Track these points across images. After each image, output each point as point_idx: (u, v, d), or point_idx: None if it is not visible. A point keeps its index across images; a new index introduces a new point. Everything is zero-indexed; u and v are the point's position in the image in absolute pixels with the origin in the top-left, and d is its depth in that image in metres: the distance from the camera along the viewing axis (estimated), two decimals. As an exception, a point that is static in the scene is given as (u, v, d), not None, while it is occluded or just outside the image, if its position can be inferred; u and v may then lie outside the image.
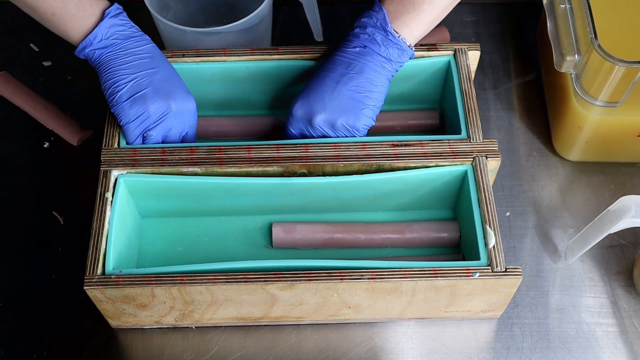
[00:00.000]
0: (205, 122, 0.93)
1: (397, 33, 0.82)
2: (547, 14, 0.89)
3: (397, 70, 0.85)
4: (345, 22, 1.08)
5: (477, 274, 0.74)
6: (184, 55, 0.89)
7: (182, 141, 0.85)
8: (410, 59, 0.85)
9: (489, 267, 0.75)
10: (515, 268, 0.75)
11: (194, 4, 1.03)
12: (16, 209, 0.92)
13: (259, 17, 0.93)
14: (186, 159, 0.82)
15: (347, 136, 0.84)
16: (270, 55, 0.89)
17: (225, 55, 0.89)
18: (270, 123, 0.93)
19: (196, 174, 0.82)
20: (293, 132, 0.85)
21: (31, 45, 1.06)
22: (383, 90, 0.84)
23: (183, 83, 0.85)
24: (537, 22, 1.05)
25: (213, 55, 0.89)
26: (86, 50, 0.82)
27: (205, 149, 0.83)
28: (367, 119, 0.83)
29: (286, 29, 1.07)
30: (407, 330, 0.84)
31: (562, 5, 0.88)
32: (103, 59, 0.82)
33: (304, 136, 0.85)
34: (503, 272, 0.75)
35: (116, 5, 0.84)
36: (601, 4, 0.87)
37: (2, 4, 1.09)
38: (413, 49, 0.84)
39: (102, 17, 0.82)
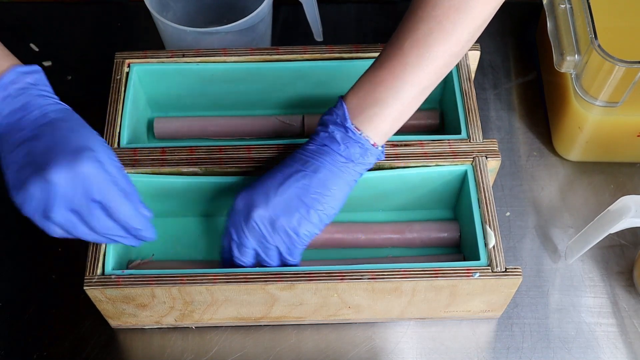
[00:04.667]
0: (205, 122, 0.93)
1: (359, 130, 0.73)
2: (547, 14, 0.89)
3: (363, 172, 0.76)
4: (345, 23, 1.08)
5: (477, 274, 0.74)
6: (184, 55, 0.89)
7: (104, 206, 0.69)
8: (379, 159, 0.76)
9: (489, 267, 0.75)
10: (515, 268, 0.75)
11: (194, 4, 1.03)
12: (16, 209, 0.92)
13: (259, 17, 0.93)
14: (186, 159, 0.82)
15: (285, 243, 0.74)
16: (270, 55, 0.89)
17: (225, 55, 0.89)
18: (270, 123, 0.93)
19: (196, 174, 0.82)
20: (229, 227, 0.76)
21: (31, 45, 1.06)
22: (339, 196, 0.75)
23: (77, 140, 0.69)
24: (537, 22, 1.05)
25: (213, 55, 0.89)
26: None
27: (205, 149, 0.83)
28: (311, 226, 0.74)
29: (286, 29, 1.07)
30: (407, 330, 0.84)
31: (562, 5, 0.88)
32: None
33: (240, 237, 0.75)
34: (503, 272, 0.75)
35: (16, 69, 0.72)
36: (601, 4, 0.86)
37: (2, 4, 1.09)
38: (381, 147, 0.76)
39: None
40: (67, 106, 0.73)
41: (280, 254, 0.76)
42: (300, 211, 0.74)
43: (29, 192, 0.67)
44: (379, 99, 0.73)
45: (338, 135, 0.74)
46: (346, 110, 0.74)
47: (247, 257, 0.76)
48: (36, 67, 0.73)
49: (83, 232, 0.70)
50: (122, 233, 0.72)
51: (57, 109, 0.72)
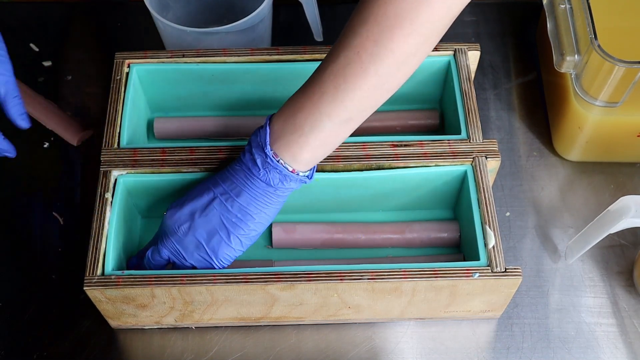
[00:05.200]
0: (205, 122, 0.93)
1: (277, 157, 0.72)
2: (547, 14, 0.89)
3: (285, 196, 0.75)
4: (345, 23, 1.08)
5: (477, 274, 0.74)
6: (184, 55, 0.89)
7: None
8: (305, 183, 0.74)
9: (489, 268, 0.75)
10: (515, 268, 0.75)
11: (194, 4, 1.03)
12: (16, 209, 0.92)
13: (259, 17, 0.93)
14: (186, 159, 0.82)
15: (203, 262, 0.75)
16: (270, 55, 0.89)
17: (225, 56, 0.89)
18: (270, 123, 0.93)
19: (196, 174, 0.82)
20: (159, 245, 0.77)
21: (31, 45, 1.06)
22: (262, 221, 0.75)
23: None
24: (537, 22, 1.05)
25: (213, 56, 0.89)
26: None
27: (205, 149, 0.82)
28: (230, 249, 0.75)
29: (286, 29, 1.07)
30: (407, 330, 0.84)
31: (562, 5, 0.88)
32: None
33: (173, 254, 0.76)
34: (503, 272, 0.75)
35: None
36: (601, 4, 0.86)
37: (2, 4, 1.09)
38: (303, 174, 0.73)
39: None
40: None
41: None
42: (221, 234, 0.74)
43: None
44: (298, 127, 0.70)
45: (258, 159, 0.73)
46: (268, 134, 0.72)
47: (159, 267, 0.78)
48: None
49: None
50: None
51: None
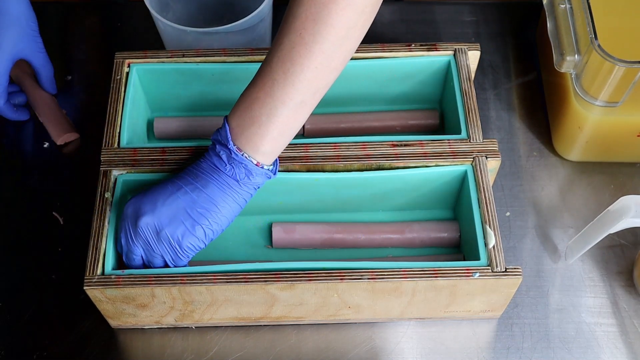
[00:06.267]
0: (206, 122, 0.93)
1: (241, 151, 0.73)
2: (547, 14, 0.89)
3: (253, 191, 0.76)
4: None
5: (477, 274, 0.74)
6: (184, 55, 0.89)
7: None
8: (269, 178, 0.76)
9: (489, 267, 0.75)
10: (515, 268, 0.75)
11: (194, 4, 1.03)
12: (16, 209, 0.92)
13: (259, 17, 0.93)
14: (186, 159, 0.82)
15: (169, 253, 0.75)
16: (270, 55, 0.89)
17: (225, 55, 0.89)
18: (270, 123, 0.93)
19: (196, 174, 0.82)
20: (120, 234, 0.77)
21: (31, 45, 1.06)
22: (227, 214, 0.75)
23: None
24: (537, 22, 1.05)
25: (213, 55, 0.89)
26: None
27: (205, 149, 0.82)
28: (195, 239, 0.74)
29: (286, 29, 1.07)
30: (407, 330, 0.84)
31: (562, 5, 0.88)
32: None
33: (127, 242, 0.76)
34: (503, 272, 0.75)
35: None
36: (601, 4, 0.86)
37: (2, 4, 1.09)
38: (268, 167, 0.74)
39: None
40: None
41: (165, 262, 0.76)
42: (185, 224, 0.74)
43: None
44: (255, 119, 0.72)
45: (224, 155, 0.74)
46: (228, 131, 0.73)
47: (134, 263, 0.77)
48: None
49: None
50: None
51: None
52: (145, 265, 0.78)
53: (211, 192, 0.74)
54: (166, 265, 0.77)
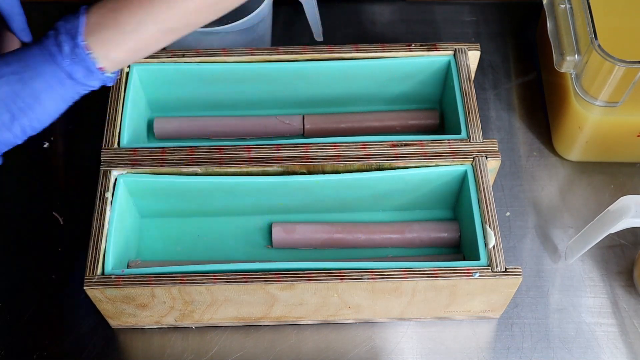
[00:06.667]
0: (206, 122, 0.93)
1: (89, 50, 0.66)
2: (547, 14, 0.89)
3: (84, 93, 0.70)
4: (345, 23, 1.08)
5: (477, 274, 0.74)
6: (184, 55, 0.89)
7: None
8: (106, 85, 0.70)
9: (489, 267, 0.75)
10: (515, 268, 0.75)
11: (194, 4, 1.03)
12: (16, 209, 0.92)
13: (259, 17, 0.93)
14: (186, 159, 0.82)
15: None
16: (270, 55, 0.89)
17: (225, 55, 0.89)
18: (270, 123, 0.93)
19: (196, 174, 0.82)
20: None
21: (31, 45, 1.06)
22: (50, 111, 0.68)
23: None
24: (537, 22, 1.05)
25: (213, 55, 0.89)
26: None
27: (205, 149, 0.83)
28: (10, 135, 0.68)
29: (286, 29, 1.07)
30: (407, 330, 0.84)
31: (562, 5, 0.88)
32: None
33: None
34: (503, 272, 0.75)
35: None
36: (601, 4, 0.86)
37: (2, 4, 1.09)
38: (112, 74, 0.69)
39: None
40: None
41: None
42: (2, 118, 0.67)
43: None
44: (119, 25, 0.66)
45: (66, 48, 0.66)
46: (83, 23, 0.67)
47: None
48: None
49: None
50: None
51: None
52: None
53: (38, 87, 0.67)
54: None
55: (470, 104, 0.86)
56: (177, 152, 0.83)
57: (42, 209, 0.91)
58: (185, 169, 0.82)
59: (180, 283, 0.74)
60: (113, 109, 0.85)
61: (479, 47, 0.89)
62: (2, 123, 0.67)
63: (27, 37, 0.80)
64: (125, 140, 0.84)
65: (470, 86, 0.87)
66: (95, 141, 0.94)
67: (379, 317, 0.83)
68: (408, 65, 0.90)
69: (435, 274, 0.74)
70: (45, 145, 0.97)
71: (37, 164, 0.96)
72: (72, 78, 0.68)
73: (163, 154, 0.83)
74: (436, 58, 0.89)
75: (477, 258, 0.76)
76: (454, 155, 0.82)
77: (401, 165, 0.82)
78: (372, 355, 0.82)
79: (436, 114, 0.94)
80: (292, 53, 0.89)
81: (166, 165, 0.82)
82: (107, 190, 0.80)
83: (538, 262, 0.88)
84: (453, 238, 0.86)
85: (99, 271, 0.75)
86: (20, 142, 0.70)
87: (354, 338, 0.83)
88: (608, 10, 0.88)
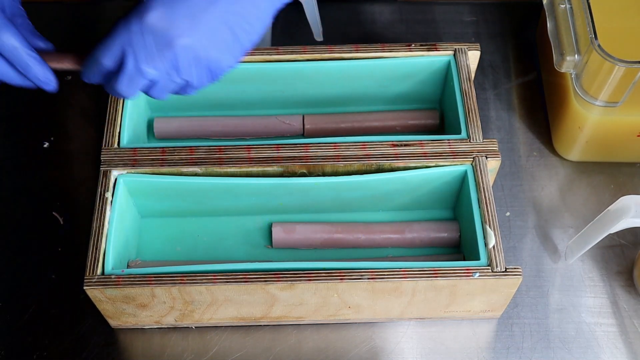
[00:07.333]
0: (205, 122, 0.93)
1: None
2: (547, 14, 0.89)
3: (284, 4, 0.64)
4: (345, 22, 1.08)
5: (477, 274, 0.74)
6: (184, 55, 0.89)
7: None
8: None
9: (489, 267, 0.75)
10: (515, 268, 0.75)
11: (194, 4, 1.03)
12: (16, 209, 0.92)
13: (259, 17, 0.93)
14: (186, 159, 0.82)
15: (199, 79, 0.62)
16: (270, 55, 0.89)
17: (225, 55, 0.89)
18: (270, 123, 0.93)
19: (196, 174, 0.82)
20: (124, 46, 0.59)
21: (31, 45, 1.06)
22: (264, 27, 0.63)
23: None
24: (537, 22, 1.05)
25: (213, 55, 0.89)
26: None
27: (205, 149, 0.83)
28: (232, 60, 0.63)
29: (286, 29, 1.07)
30: (407, 330, 0.84)
31: (562, 5, 0.88)
32: None
33: (139, 62, 0.60)
34: (503, 272, 0.75)
35: None
36: (601, 4, 0.86)
37: (2, 4, 1.09)
38: None
39: None
40: None
41: (182, 87, 0.64)
42: (227, 43, 0.62)
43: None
44: None
45: None
46: None
47: (134, 89, 0.63)
48: None
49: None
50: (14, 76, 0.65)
51: None
52: (145, 90, 0.64)
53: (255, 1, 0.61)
54: (178, 92, 0.64)
55: (470, 104, 0.86)
56: (177, 152, 0.83)
57: (42, 209, 0.91)
58: (185, 169, 0.82)
59: (180, 283, 0.74)
60: (113, 109, 0.85)
61: (479, 47, 0.89)
62: (227, 48, 0.62)
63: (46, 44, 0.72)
64: (125, 140, 0.84)
65: (470, 86, 0.87)
66: (95, 141, 0.95)
67: (379, 317, 0.83)
68: (408, 65, 0.90)
69: (435, 274, 0.74)
70: (45, 145, 0.97)
71: (37, 164, 0.96)
72: None
73: (163, 154, 0.83)
74: (436, 58, 0.89)
75: (477, 258, 0.76)
76: (454, 155, 0.82)
77: (401, 165, 0.82)
78: (372, 355, 0.82)
79: (436, 114, 0.94)
80: (292, 53, 0.89)
81: (166, 165, 0.82)
82: (107, 190, 0.80)
83: (538, 262, 0.88)
84: (453, 238, 0.86)
85: (99, 271, 0.75)
86: (236, 65, 0.64)
87: (354, 338, 0.83)
88: (608, 10, 0.88)
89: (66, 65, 0.69)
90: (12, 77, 0.66)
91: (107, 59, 0.62)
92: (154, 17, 0.58)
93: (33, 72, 0.65)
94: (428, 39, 1.03)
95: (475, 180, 0.81)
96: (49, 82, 0.67)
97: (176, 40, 0.59)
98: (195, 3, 0.59)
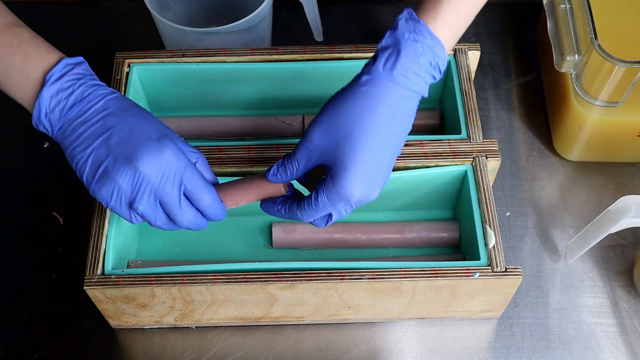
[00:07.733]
0: (205, 122, 0.93)
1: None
2: (547, 14, 0.89)
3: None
4: (345, 23, 1.08)
5: (477, 274, 0.74)
6: (184, 55, 0.89)
7: (187, 194, 0.69)
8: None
9: (489, 267, 0.75)
10: (515, 268, 0.75)
11: (194, 4, 1.03)
12: (16, 209, 0.92)
13: (259, 17, 0.93)
14: (186, 159, 0.82)
15: (348, 210, 0.69)
16: (270, 55, 0.89)
17: (225, 55, 0.89)
18: (270, 123, 0.93)
19: (196, 174, 0.82)
20: (328, 207, 0.68)
21: (31, 45, 1.05)
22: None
23: (151, 128, 0.68)
24: (537, 22, 1.05)
25: (213, 55, 0.89)
26: (40, 128, 0.71)
27: (205, 149, 0.82)
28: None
29: (286, 29, 1.07)
30: (407, 330, 0.84)
31: (562, 5, 0.88)
32: (58, 137, 0.70)
33: (337, 213, 0.69)
34: (503, 272, 0.75)
35: (64, 61, 0.68)
36: (601, 4, 0.87)
37: (2, 4, 1.09)
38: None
39: (43, 85, 0.67)
40: (119, 93, 0.71)
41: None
42: (386, 180, 0.70)
43: (116, 184, 0.66)
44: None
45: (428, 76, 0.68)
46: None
47: (324, 224, 0.71)
48: (81, 58, 0.71)
49: (162, 222, 0.69)
50: (200, 222, 0.71)
51: (114, 97, 0.69)
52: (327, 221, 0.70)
53: (410, 123, 0.70)
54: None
55: (470, 104, 0.85)
56: (177, 152, 0.82)
57: (42, 209, 0.91)
58: (185, 169, 0.82)
59: (180, 283, 0.74)
60: (113, 109, 0.85)
61: (479, 47, 0.89)
62: (384, 182, 0.69)
63: (212, 178, 0.74)
64: (125, 140, 0.84)
65: (470, 86, 0.87)
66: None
67: (379, 317, 0.83)
68: (408, 65, 0.90)
69: (435, 274, 0.74)
70: (45, 145, 0.97)
71: (37, 164, 0.96)
72: (417, 93, 0.70)
73: (163, 154, 0.82)
74: (436, 58, 0.89)
75: (477, 258, 0.76)
76: (454, 155, 0.82)
77: (401, 165, 0.82)
78: (372, 355, 0.82)
79: (436, 114, 0.94)
80: (292, 53, 0.89)
81: (166, 165, 0.82)
82: (107, 190, 0.80)
83: (538, 262, 0.88)
84: (453, 238, 0.86)
85: (99, 271, 0.75)
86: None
87: (354, 338, 0.83)
88: (608, 10, 0.88)
89: (242, 204, 0.74)
90: (199, 225, 0.72)
91: (313, 219, 0.71)
92: (354, 189, 0.67)
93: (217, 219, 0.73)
94: (428, 39, 1.03)
95: (475, 180, 0.81)
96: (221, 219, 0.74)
97: (364, 200, 0.69)
98: (382, 171, 0.68)
